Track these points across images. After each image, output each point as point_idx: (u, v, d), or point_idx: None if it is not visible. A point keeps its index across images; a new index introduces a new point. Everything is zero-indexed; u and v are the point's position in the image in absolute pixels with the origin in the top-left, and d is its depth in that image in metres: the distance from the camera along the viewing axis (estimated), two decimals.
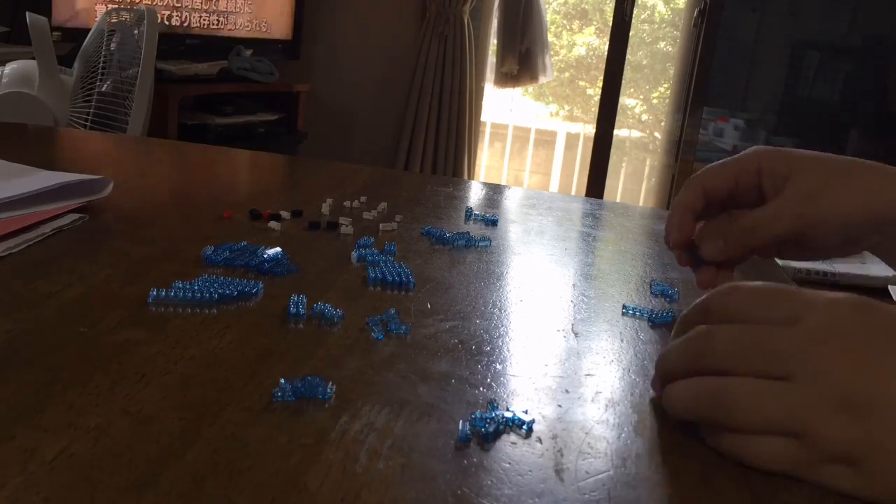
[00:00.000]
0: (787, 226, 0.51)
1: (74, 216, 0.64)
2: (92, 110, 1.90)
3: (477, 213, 0.80)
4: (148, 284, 0.51)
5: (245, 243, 0.62)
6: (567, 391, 0.44)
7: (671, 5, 4.05)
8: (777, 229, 0.51)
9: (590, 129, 3.75)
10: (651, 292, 0.62)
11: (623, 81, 3.45)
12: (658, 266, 0.70)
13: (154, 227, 0.66)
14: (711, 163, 0.55)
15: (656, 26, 4.13)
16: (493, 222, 0.77)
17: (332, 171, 0.95)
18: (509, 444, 0.38)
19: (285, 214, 0.71)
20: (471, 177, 3.59)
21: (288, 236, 0.66)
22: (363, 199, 0.79)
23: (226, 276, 0.54)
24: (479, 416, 0.39)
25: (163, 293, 0.50)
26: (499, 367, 0.46)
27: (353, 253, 0.62)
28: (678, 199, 0.55)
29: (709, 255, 0.53)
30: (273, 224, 0.68)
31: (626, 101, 4.00)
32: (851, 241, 0.52)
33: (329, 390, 0.40)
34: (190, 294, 0.50)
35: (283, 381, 0.40)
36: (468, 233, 0.71)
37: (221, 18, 3.15)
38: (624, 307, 0.58)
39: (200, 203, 0.76)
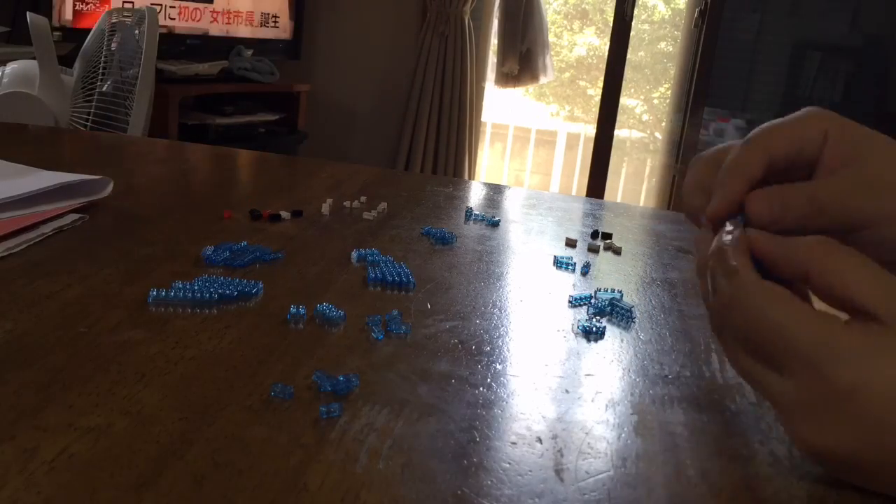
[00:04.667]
0: (861, 205, 0.40)
1: (74, 216, 0.64)
2: (92, 110, 1.90)
3: (477, 213, 0.80)
4: (148, 284, 0.51)
5: (245, 243, 0.62)
6: (567, 391, 0.44)
7: (672, 5, 4.05)
8: (852, 206, 0.40)
9: (590, 130, 3.75)
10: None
11: (624, 81, 3.45)
12: (658, 266, 0.70)
13: (154, 227, 0.66)
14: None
15: (657, 26, 4.13)
16: (494, 223, 0.77)
17: (332, 171, 0.95)
18: (509, 445, 0.38)
19: (285, 214, 0.71)
20: (471, 177, 3.59)
21: (288, 236, 0.66)
22: (363, 199, 0.79)
23: (226, 276, 0.54)
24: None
25: (163, 293, 0.50)
26: (499, 367, 0.46)
27: (353, 253, 0.62)
28: (734, 160, 0.43)
29: (758, 218, 0.41)
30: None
31: (627, 101, 4.00)
32: None
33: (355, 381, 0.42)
34: (190, 294, 0.50)
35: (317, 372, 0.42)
36: (445, 230, 0.72)
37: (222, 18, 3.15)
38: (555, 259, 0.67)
39: (200, 203, 0.76)
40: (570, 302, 0.58)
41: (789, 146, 0.43)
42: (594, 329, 0.53)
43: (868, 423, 0.34)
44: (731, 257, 0.39)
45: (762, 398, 0.45)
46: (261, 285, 0.53)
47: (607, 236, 0.76)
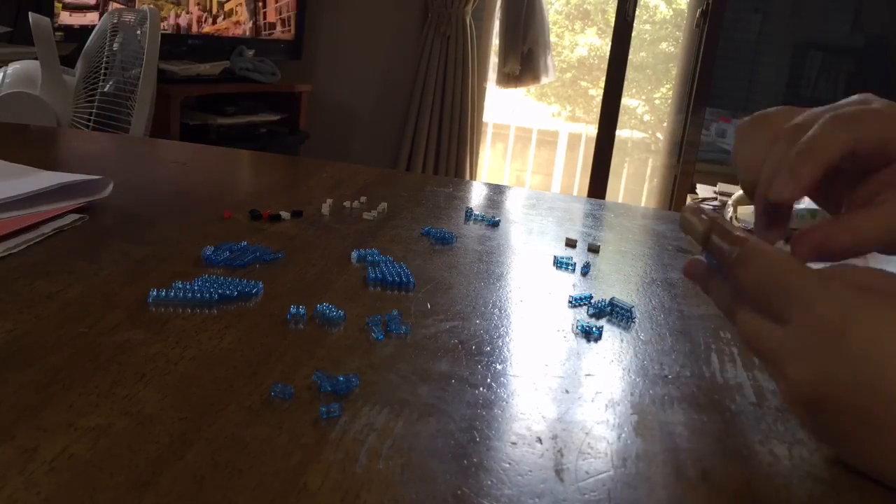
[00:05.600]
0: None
1: (74, 216, 0.64)
2: (94, 110, 1.90)
3: (477, 213, 0.80)
4: (148, 284, 0.51)
5: (245, 243, 0.62)
6: (567, 391, 0.44)
7: (673, 6, 4.05)
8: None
9: (592, 130, 3.75)
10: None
11: (625, 82, 3.45)
12: (658, 266, 0.70)
13: (154, 227, 0.66)
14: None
15: (658, 27, 4.13)
16: (494, 223, 0.77)
17: (332, 171, 0.95)
18: (509, 445, 0.38)
19: (285, 214, 0.71)
20: (473, 177, 3.59)
21: (288, 236, 0.66)
22: (363, 199, 0.79)
23: (226, 277, 0.54)
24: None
25: (163, 293, 0.50)
26: (499, 367, 0.46)
27: (353, 253, 0.62)
28: (811, 142, 0.40)
29: (805, 257, 0.41)
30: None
31: (628, 101, 4.00)
32: None
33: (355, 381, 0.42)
34: (190, 294, 0.50)
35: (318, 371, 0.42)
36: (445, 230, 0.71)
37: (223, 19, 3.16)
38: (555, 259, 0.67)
39: (200, 203, 0.76)
40: (570, 302, 0.58)
41: (876, 143, 0.41)
42: (594, 329, 0.53)
43: (856, 359, 0.35)
44: (735, 230, 0.41)
45: (761, 396, 0.45)
46: (261, 285, 0.53)
47: (594, 248, 0.74)
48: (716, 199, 2.86)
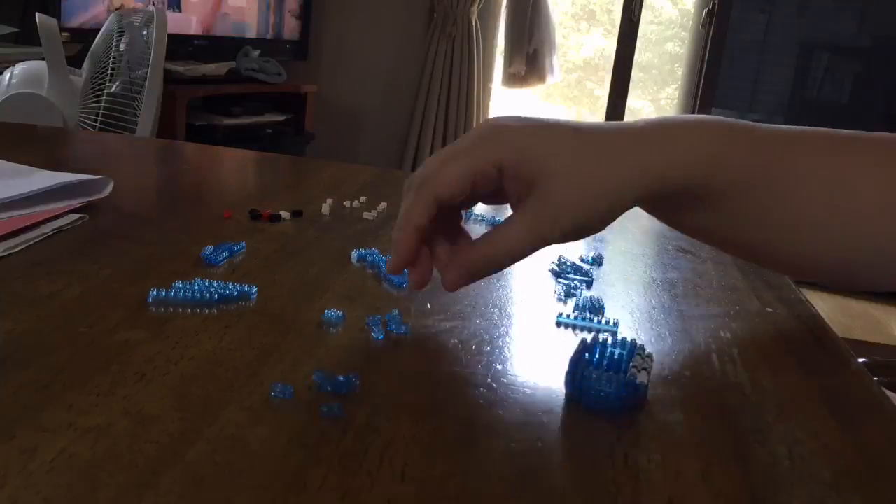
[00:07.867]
0: (531, 248, 0.47)
1: (74, 216, 0.64)
2: (101, 111, 1.91)
3: (477, 213, 0.80)
4: (148, 284, 0.51)
5: (244, 243, 0.62)
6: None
7: (679, 6, 4.04)
8: (523, 253, 0.47)
9: None
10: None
11: (631, 82, 3.44)
12: (658, 266, 0.69)
13: (154, 227, 0.66)
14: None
15: (664, 27, 4.12)
16: (494, 224, 0.77)
17: (332, 171, 0.95)
18: (509, 444, 0.38)
19: (285, 214, 0.71)
20: None
21: (288, 236, 0.67)
22: (363, 199, 0.79)
23: (225, 281, 0.54)
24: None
25: (163, 293, 0.50)
26: (499, 367, 0.46)
27: (352, 253, 0.62)
28: (406, 211, 0.48)
29: (453, 288, 0.49)
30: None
31: (634, 102, 3.99)
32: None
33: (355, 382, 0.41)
34: (190, 294, 0.50)
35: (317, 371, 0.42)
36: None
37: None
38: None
39: (200, 203, 0.76)
40: (572, 303, 0.58)
41: (459, 189, 0.47)
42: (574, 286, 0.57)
43: None
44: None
45: (762, 396, 0.45)
46: (255, 289, 0.53)
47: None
48: None
